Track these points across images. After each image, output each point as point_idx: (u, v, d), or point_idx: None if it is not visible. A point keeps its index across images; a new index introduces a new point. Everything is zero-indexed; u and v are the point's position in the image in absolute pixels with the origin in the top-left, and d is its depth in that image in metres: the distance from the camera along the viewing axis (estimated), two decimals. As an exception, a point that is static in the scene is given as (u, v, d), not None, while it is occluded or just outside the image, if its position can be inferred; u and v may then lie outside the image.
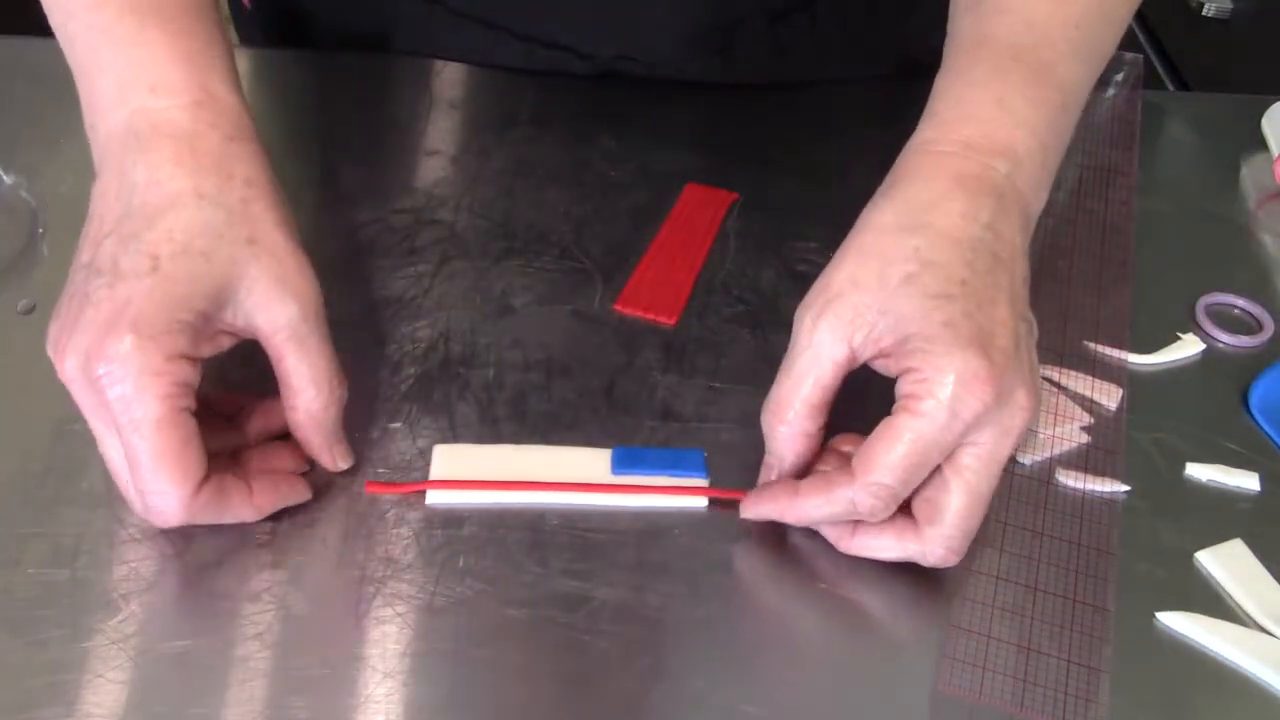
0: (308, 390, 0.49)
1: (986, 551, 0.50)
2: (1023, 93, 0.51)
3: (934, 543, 0.47)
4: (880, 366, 0.48)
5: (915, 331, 0.46)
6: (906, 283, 0.46)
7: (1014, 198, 0.49)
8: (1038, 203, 0.51)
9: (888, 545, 0.48)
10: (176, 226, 0.47)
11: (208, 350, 0.48)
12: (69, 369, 0.46)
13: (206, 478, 0.47)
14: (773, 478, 0.50)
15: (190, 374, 0.46)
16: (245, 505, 0.48)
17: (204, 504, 0.47)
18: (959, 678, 0.45)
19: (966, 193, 0.48)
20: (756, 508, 0.49)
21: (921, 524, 0.47)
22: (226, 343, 0.49)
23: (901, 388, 0.46)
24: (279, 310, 0.48)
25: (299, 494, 0.50)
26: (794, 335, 0.48)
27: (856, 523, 0.48)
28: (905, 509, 0.48)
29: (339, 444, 0.51)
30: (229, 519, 0.48)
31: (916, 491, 0.47)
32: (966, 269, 0.47)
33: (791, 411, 0.48)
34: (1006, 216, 0.49)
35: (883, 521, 0.48)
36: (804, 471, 0.50)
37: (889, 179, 0.51)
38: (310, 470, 0.51)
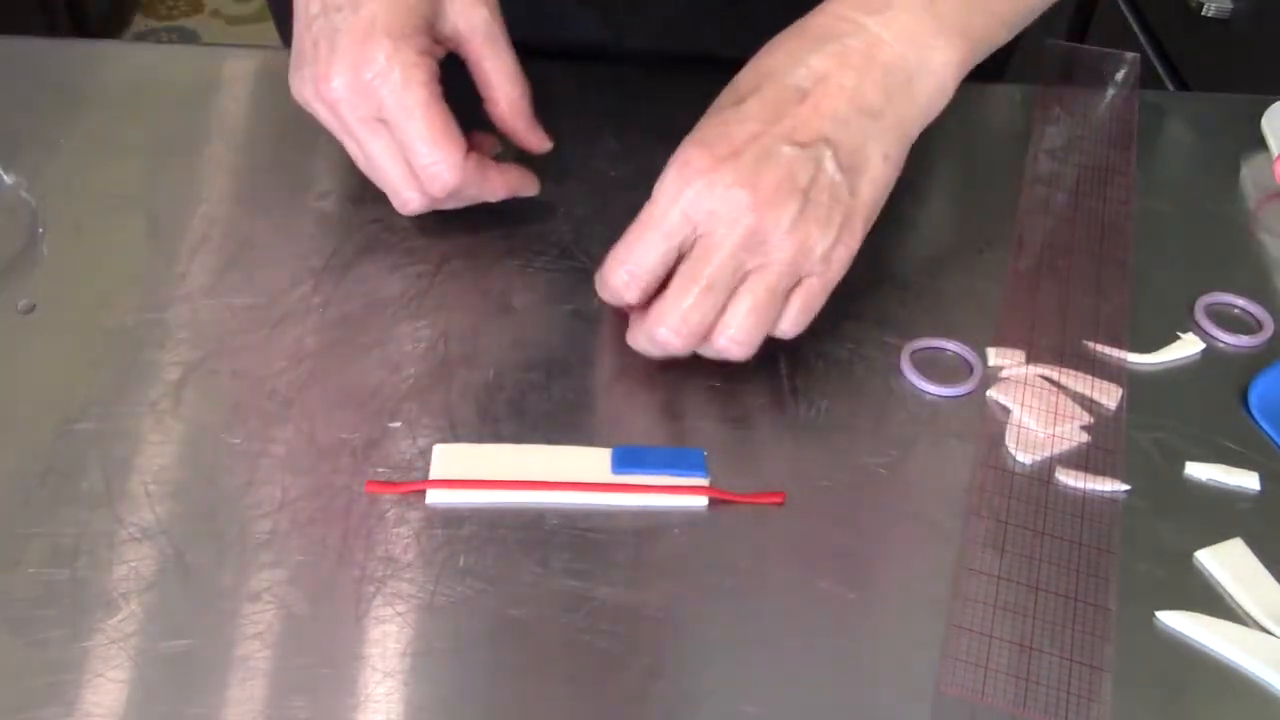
0: (505, 83, 0.60)
1: (988, 552, 0.50)
2: None
3: (652, 320, 0.52)
4: None
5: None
6: (714, 105, 0.54)
7: (864, 46, 0.53)
8: (924, 52, 0.54)
9: (633, 334, 0.54)
10: None
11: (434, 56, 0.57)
12: (336, 89, 0.55)
13: (467, 153, 0.57)
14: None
15: (436, 69, 0.56)
16: (498, 179, 0.60)
17: (472, 170, 0.57)
18: (961, 677, 0.45)
19: (804, 38, 0.54)
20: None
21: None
22: (440, 52, 0.58)
23: None
24: (475, 13, 0.58)
25: (532, 184, 0.62)
26: None
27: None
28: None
29: (538, 128, 0.62)
30: (487, 192, 0.60)
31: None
32: (752, 93, 0.53)
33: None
34: (841, 60, 0.52)
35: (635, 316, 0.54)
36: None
37: None
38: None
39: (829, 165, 0.51)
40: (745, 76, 0.54)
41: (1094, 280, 0.62)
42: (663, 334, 0.52)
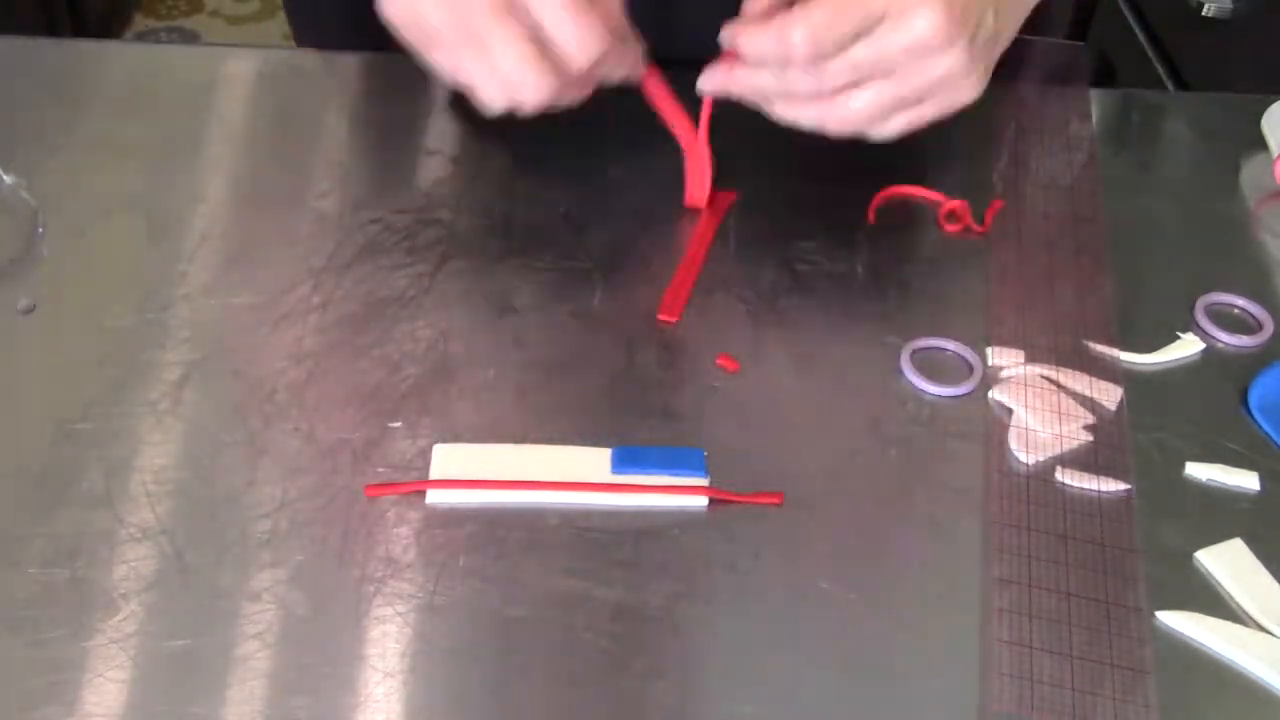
0: None
1: (1014, 559, 0.50)
2: None
3: (794, 23, 0.53)
4: None
5: None
6: None
7: None
8: None
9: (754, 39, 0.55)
10: None
11: None
12: None
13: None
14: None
15: None
16: (629, 52, 0.58)
17: (612, 40, 0.54)
18: (1006, 691, 0.45)
19: None
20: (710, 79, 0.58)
21: None
22: None
23: None
24: None
25: (639, 63, 0.60)
26: None
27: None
28: None
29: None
30: (619, 64, 0.57)
31: None
32: None
33: None
34: None
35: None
36: None
37: None
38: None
39: (990, 19, 0.55)
40: None
41: (1088, 279, 0.62)
42: (799, 35, 0.53)
